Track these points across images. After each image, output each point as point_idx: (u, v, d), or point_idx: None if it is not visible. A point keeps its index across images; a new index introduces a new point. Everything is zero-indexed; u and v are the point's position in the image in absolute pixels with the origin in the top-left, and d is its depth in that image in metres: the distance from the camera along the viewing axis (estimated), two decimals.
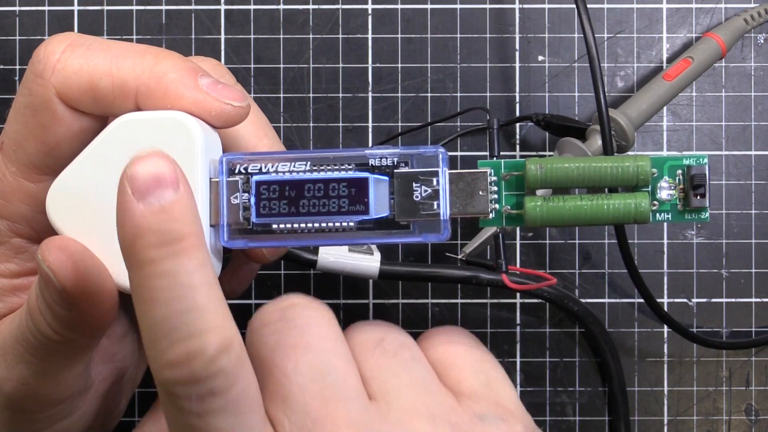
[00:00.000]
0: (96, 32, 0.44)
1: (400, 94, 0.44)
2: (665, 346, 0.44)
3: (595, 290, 0.44)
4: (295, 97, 0.44)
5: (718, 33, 0.43)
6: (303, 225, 0.27)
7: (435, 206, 0.27)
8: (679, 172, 0.28)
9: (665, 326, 0.44)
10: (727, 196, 0.44)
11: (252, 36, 0.44)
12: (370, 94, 0.44)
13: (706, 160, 0.28)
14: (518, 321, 0.44)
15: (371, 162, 0.27)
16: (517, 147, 0.44)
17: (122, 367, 0.32)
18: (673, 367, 0.44)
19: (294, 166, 0.27)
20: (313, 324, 0.27)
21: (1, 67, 0.44)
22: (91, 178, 0.27)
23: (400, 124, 0.44)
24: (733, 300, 0.44)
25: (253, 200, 0.27)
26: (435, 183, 0.27)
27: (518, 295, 0.44)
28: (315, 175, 0.27)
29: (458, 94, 0.44)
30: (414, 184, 0.27)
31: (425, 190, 0.27)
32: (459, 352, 0.30)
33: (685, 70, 0.42)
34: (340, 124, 0.44)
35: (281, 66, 0.44)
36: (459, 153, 0.44)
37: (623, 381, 0.43)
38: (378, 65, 0.44)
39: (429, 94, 0.44)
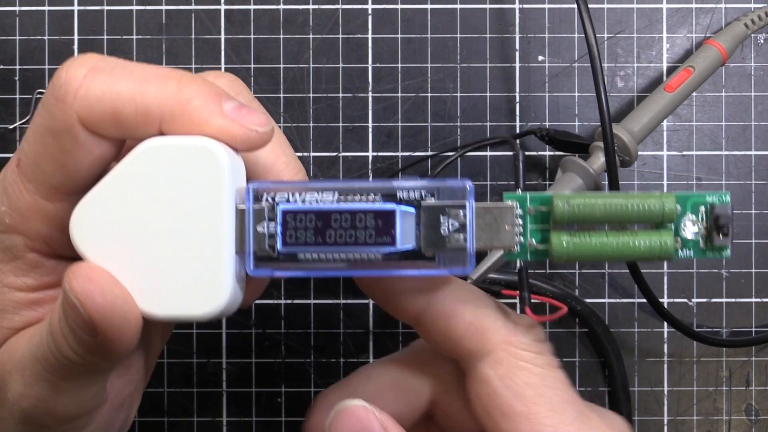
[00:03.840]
0: (96, 32, 0.44)
1: (400, 94, 0.44)
2: (665, 345, 0.44)
3: (595, 290, 0.44)
4: (295, 97, 0.44)
5: (718, 40, 0.43)
6: (329, 255, 0.27)
7: (461, 239, 0.27)
8: (702, 208, 0.28)
9: (665, 326, 0.44)
10: None
11: (252, 36, 0.44)
12: (370, 94, 0.44)
13: (728, 198, 0.28)
14: None
15: (399, 195, 0.27)
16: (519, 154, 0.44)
17: (135, 379, 0.32)
18: (673, 366, 0.44)
19: (321, 196, 0.27)
20: None
21: (1, 67, 0.44)
22: (116, 202, 0.27)
23: (400, 124, 0.44)
24: (733, 300, 0.44)
25: (279, 229, 0.27)
26: (462, 216, 0.27)
27: (518, 295, 0.44)
28: (342, 206, 0.27)
29: (458, 94, 0.44)
30: (441, 217, 0.27)
31: (452, 224, 0.27)
32: None
33: (686, 80, 0.42)
34: (340, 124, 0.44)
35: (281, 66, 0.44)
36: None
37: (626, 381, 0.43)
38: (378, 65, 0.44)
39: (429, 94, 0.44)
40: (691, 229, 0.28)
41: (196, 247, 0.27)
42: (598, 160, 0.41)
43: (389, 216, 0.27)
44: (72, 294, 0.26)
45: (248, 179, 0.29)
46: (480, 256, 0.40)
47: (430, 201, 0.27)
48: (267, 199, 0.27)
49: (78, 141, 0.27)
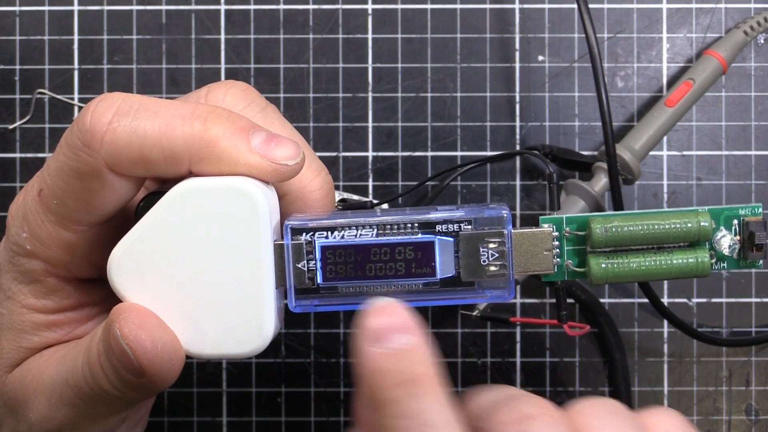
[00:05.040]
0: (96, 32, 0.44)
1: (400, 94, 0.44)
2: (665, 345, 0.44)
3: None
4: (295, 97, 0.44)
5: (717, 50, 0.43)
6: (369, 287, 0.27)
7: (501, 267, 0.27)
8: (735, 221, 0.28)
9: (665, 326, 0.44)
10: (727, 196, 0.44)
11: (252, 36, 0.44)
12: (370, 94, 0.44)
13: (760, 210, 0.28)
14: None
15: (438, 228, 0.27)
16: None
17: (152, 396, 0.32)
18: (673, 366, 0.44)
19: (360, 233, 0.27)
20: None
21: (1, 67, 0.44)
22: (153, 244, 0.27)
23: (400, 124, 0.44)
24: (733, 300, 0.44)
25: (318, 265, 0.27)
26: (499, 244, 0.27)
27: (519, 295, 0.44)
28: (381, 240, 0.27)
29: (458, 94, 0.44)
30: (480, 246, 0.27)
31: (492, 254, 0.27)
32: None
33: (686, 94, 0.42)
34: (340, 124, 0.44)
35: (281, 66, 0.44)
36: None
37: (627, 373, 0.43)
38: (378, 65, 0.44)
39: (429, 94, 0.44)
40: (725, 244, 0.28)
41: (236, 285, 0.27)
42: (600, 180, 0.41)
43: (429, 247, 0.27)
44: (124, 341, 0.26)
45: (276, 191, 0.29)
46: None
47: (468, 230, 0.27)
48: (305, 236, 0.27)
49: (105, 183, 0.27)
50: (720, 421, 0.44)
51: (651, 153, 0.44)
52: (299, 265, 0.27)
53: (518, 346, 0.44)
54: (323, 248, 0.27)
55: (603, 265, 0.27)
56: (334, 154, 0.44)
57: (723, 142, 0.44)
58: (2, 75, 0.44)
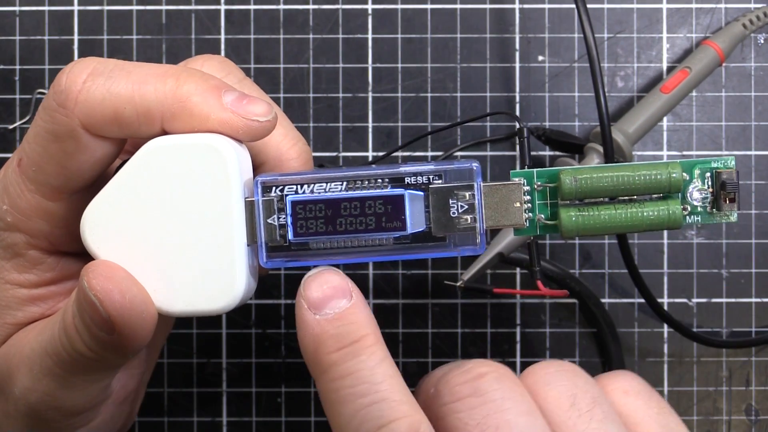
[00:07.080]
0: (96, 32, 0.44)
1: (400, 94, 0.44)
2: (665, 346, 0.44)
3: (595, 290, 0.44)
4: (295, 97, 0.44)
5: (716, 41, 0.43)
6: (341, 243, 0.27)
7: (470, 220, 0.27)
8: (708, 174, 0.28)
9: (665, 326, 0.44)
10: None
11: (252, 36, 0.44)
12: (370, 94, 0.44)
13: (733, 163, 0.28)
14: (518, 321, 0.44)
15: (407, 180, 0.27)
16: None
17: (139, 373, 0.33)
18: (673, 367, 0.44)
19: (329, 187, 0.27)
20: (508, 398, 0.27)
21: (1, 67, 0.44)
22: (125, 202, 0.27)
23: (400, 124, 0.44)
24: (733, 300, 0.44)
25: (289, 220, 0.27)
26: (470, 197, 0.27)
27: (518, 295, 0.44)
28: (351, 194, 0.27)
29: (458, 94, 0.44)
30: (450, 200, 0.27)
31: (461, 206, 0.27)
32: (639, 405, 0.29)
33: (682, 81, 0.42)
34: (340, 124, 0.44)
35: (281, 66, 0.44)
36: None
37: (623, 365, 0.43)
38: (378, 65, 0.44)
39: (429, 94, 0.44)
40: (697, 195, 0.28)
41: (207, 242, 0.27)
42: (593, 161, 0.41)
43: (398, 201, 0.27)
44: (91, 293, 0.26)
45: (251, 156, 0.29)
46: (491, 234, 0.41)
47: (438, 183, 0.27)
48: (275, 191, 0.27)
49: (81, 144, 0.27)
50: (720, 421, 0.44)
51: (651, 153, 0.44)
52: (270, 221, 0.27)
53: (518, 346, 0.44)
54: (293, 203, 0.27)
55: (573, 218, 0.27)
56: (334, 154, 0.44)
57: (723, 142, 0.44)
58: (2, 75, 0.44)
